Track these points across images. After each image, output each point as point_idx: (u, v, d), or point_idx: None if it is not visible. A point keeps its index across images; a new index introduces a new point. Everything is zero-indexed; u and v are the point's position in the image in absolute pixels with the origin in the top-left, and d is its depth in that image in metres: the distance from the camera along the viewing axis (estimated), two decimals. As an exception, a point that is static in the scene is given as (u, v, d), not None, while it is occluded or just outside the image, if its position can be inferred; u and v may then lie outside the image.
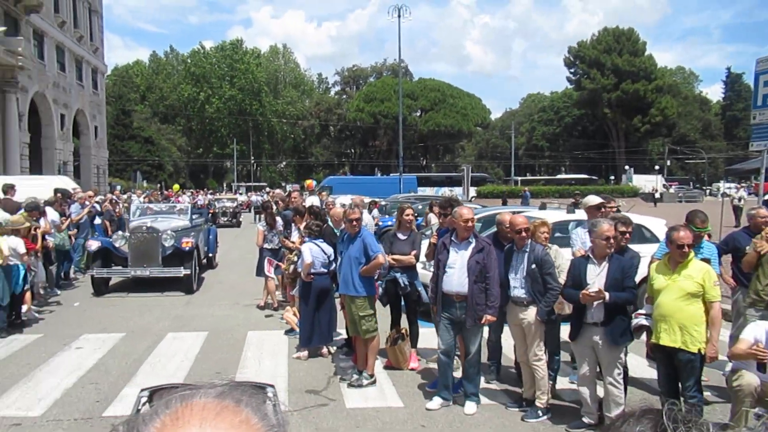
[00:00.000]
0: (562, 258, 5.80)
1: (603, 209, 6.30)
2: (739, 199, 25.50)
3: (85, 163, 41.98)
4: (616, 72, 68.61)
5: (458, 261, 5.55)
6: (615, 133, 73.90)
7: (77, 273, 13.51)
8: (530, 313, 5.43)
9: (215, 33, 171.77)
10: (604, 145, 74.69)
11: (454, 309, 5.58)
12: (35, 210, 10.02)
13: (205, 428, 0.68)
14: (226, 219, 29.76)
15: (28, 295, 9.10)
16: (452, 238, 5.70)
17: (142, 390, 0.77)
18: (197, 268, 12.27)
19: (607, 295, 4.84)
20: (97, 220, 15.06)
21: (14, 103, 29.72)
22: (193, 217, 13.94)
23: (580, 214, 9.43)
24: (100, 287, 11.32)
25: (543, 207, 10.41)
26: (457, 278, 5.54)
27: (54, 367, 6.88)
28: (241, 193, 53.07)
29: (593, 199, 6.49)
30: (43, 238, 10.38)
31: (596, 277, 4.98)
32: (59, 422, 5.29)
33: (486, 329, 6.02)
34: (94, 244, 11.49)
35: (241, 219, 31.44)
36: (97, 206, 15.48)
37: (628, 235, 5.52)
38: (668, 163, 69.45)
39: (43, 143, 35.29)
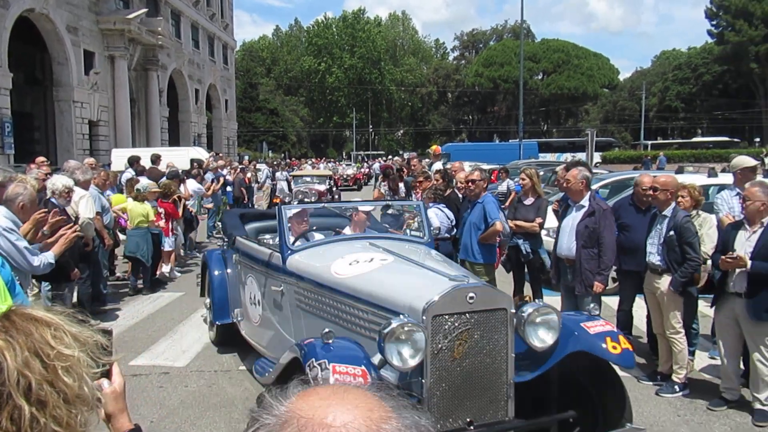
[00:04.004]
0: (710, 226, 5.37)
1: (752, 172, 5.76)
2: None
3: (216, 135, 44.71)
4: (767, 21, 61.75)
5: (569, 224, 5.42)
6: (763, 91, 66.84)
7: (210, 238, 14.45)
8: (664, 282, 5.09)
9: (336, 5, 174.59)
10: (748, 104, 67.94)
11: (566, 274, 5.44)
12: (176, 178, 10.86)
13: (337, 391, 0.74)
14: None
15: (172, 255, 9.92)
16: (569, 202, 5.56)
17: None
18: None
19: (749, 263, 4.40)
20: (228, 189, 16.05)
21: (155, 80, 32.10)
22: None
23: (723, 178, 8.70)
24: None
25: (680, 171, 9.70)
26: (566, 242, 5.42)
27: (195, 322, 7.43)
28: (348, 164, 45.29)
29: (746, 161, 5.92)
30: (184, 205, 11.26)
31: (745, 243, 4.55)
32: (202, 373, 5.73)
33: (617, 300, 5.77)
34: None
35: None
36: (228, 176, 16.42)
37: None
38: (827, 122, 61.99)
39: (180, 117, 37.99)
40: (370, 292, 3.72)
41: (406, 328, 3.17)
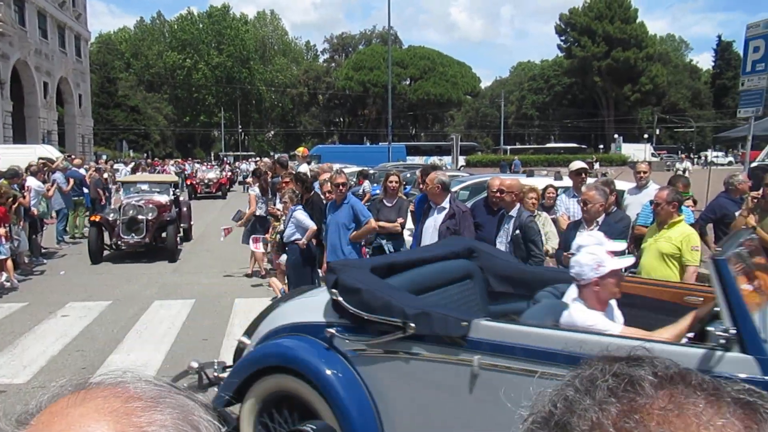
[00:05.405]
0: (550, 225, 5.82)
1: (584, 174, 6.39)
2: (684, 171, 25.60)
3: (69, 132, 41.45)
4: (607, 40, 68.19)
5: (432, 225, 5.64)
6: (605, 102, 73.78)
7: (61, 243, 13.37)
8: None
9: (200, 0, 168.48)
10: (593, 114, 74.56)
11: None
12: (15, 177, 9.92)
13: (71, 403, 0.58)
14: None
15: (9, 263, 9.04)
16: (429, 204, 5.78)
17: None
18: None
19: None
20: (85, 190, 14.99)
21: (-5, 71, 29.18)
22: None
23: (567, 182, 9.48)
24: None
25: (530, 174, 10.47)
26: (429, 242, 5.64)
27: (40, 334, 6.87)
28: (213, 165, 38.64)
29: (576, 165, 6.54)
30: (28, 207, 10.31)
31: None
32: (45, 389, 5.27)
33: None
34: None
35: None
36: (83, 173, 15.31)
37: (613, 197, 5.58)
38: (657, 132, 69.52)
39: (26, 112, 34.78)
40: None
41: None
